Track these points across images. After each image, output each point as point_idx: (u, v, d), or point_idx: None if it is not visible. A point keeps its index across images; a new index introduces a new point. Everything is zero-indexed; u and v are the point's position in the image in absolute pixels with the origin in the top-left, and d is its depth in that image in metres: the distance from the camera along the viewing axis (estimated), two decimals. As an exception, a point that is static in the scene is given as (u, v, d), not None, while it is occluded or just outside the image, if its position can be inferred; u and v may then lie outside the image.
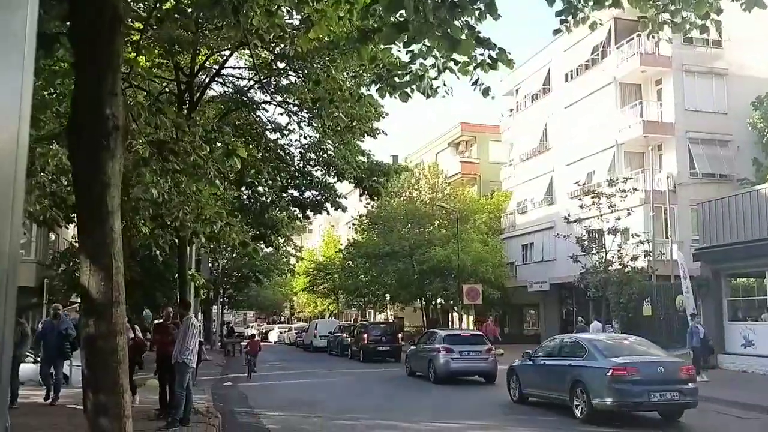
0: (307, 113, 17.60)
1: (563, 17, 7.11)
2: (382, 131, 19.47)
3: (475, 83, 7.11)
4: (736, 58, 30.76)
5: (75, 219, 13.14)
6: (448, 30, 5.36)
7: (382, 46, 7.33)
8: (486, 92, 7.15)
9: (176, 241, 11.86)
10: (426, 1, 5.08)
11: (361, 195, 22.36)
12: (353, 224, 45.70)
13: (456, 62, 6.68)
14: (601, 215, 26.61)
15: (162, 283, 25.50)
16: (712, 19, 6.72)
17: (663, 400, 12.36)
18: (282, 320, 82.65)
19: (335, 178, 21.34)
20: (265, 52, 14.82)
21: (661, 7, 6.93)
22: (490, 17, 6.36)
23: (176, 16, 8.32)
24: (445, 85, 6.55)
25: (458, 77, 6.63)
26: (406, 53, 6.98)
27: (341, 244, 53.36)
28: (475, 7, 5.95)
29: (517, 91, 42.08)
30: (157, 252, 10.77)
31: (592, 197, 26.99)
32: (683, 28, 7.05)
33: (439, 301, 41.96)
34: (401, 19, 5.31)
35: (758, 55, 30.71)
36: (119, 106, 4.55)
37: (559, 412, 13.67)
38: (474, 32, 6.58)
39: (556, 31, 7.31)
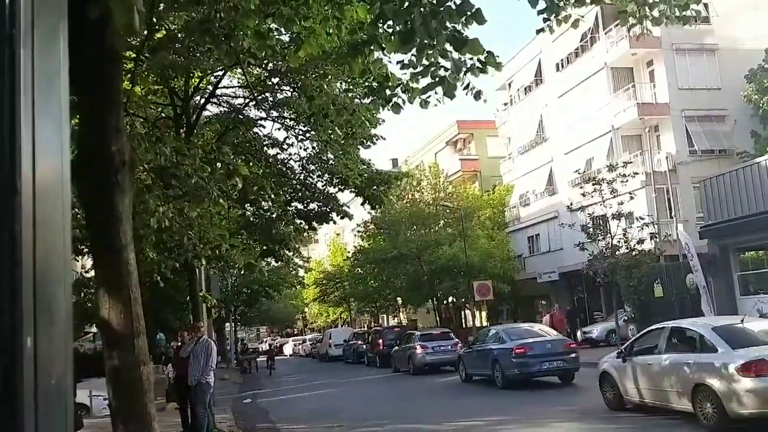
0: (304, 126, 17.73)
1: (546, 16, 7.22)
2: (381, 137, 19.59)
3: (466, 87, 7.24)
4: (725, 33, 30.81)
5: (84, 251, 13.27)
6: (455, 32, 5.49)
7: (373, 59, 7.46)
8: (477, 96, 7.26)
9: (177, 265, 11.99)
10: (426, 8, 5.21)
11: (363, 204, 22.48)
12: (358, 231, 45.80)
13: (446, 69, 6.81)
14: (604, 201, 26.65)
15: (173, 306, 25.65)
16: (691, 9, 6.83)
17: (551, 368, 17.32)
18: (295, 333, 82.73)
19: (337, 188, 21.46)
20: (258, 68, 14.97)
21: (641, 1, 7.05)
22: (476, 23, 6.49)
23: (169, 44, 8.46)
24: (436, 93, 6.63)
25: (450, 82, 6.74)
26: (397, 63, 7.12)
27: (348, 252, 53.47)
28: (462, 15, 6.07)
29: (509, 84, 42.20)
30: (158, 278, 10.88)
31: (593, 184, 27.02)
32: (663, 20, 7.17)
33: (450, 300, 42.02)
34: (406, 29, 5.43)
35: (747, 28, 30.77)
36: (124, 141, 4.68)
37: (488, 384, 18.62)
38: (461, 36, 6.71)
39: (540, 30, 7.43)
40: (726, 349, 10.10)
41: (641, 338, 12.89)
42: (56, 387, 0.90)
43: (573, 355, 17.74)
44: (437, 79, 6.14)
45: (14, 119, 0.89)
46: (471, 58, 6.23)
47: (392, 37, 6.37)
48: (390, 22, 5.93)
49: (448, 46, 5.88)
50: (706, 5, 28.34)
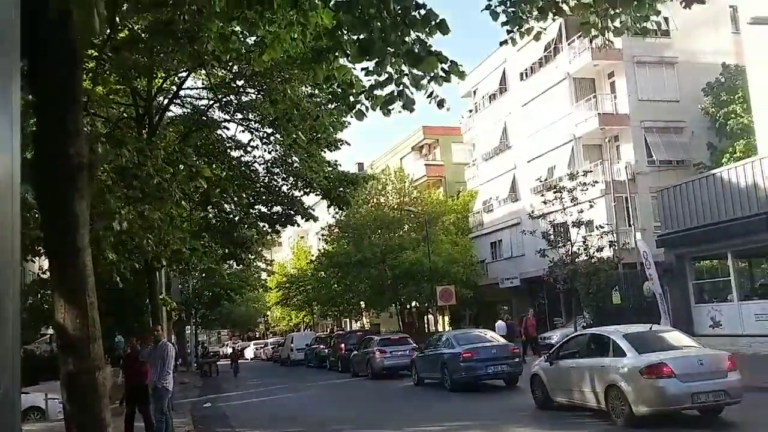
0: (269, 128, 17.66)
1: (509, 28, 7.33)
2: (346, 142, 19.60)
3: (430, 96, 7.30)
4: (684, 47, 31.59)
5: (41, 252, 13.01)
6: (415, 47, 5.55)
7: (337, 65, 7.49)
8: (441, 104, 7.31)
9: (137, 266, 11.84)
10: (385, 21, 5.25)
11: (329, 206, 22.45)
12: (323, 235, 45.69)
13: (412, 76, 6.86)
14: (565, 209, 27.09)
15: (133, 308, 25.23)
16: (651, 21, 7.01)
17: (496, 371, 18.08)
18: (257, 336, 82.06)
19: (302, 192, 21.39)
20: (222, 71, 14.87)
21: (602, 13, 7.21)
22: (440, 33, 6.56)
23: (131, 44, 8.37)
24: (401, 96, 6.68)
25: (412, 92, 6.80)
26: (361, 69, 7.16)
27: (312, 255, 53.27)
28: (426, 26, 6.13)
29: (474, 92, 42.62)
30: (118, 279, 10.74)
31: (555, 192, 27.45)
32: (623, 31, 7.33)
33: (414, 304, 42.18)
34: (365, 39, 5.47)
35: (705, 43, 31.59)
36: (83, 143, 4.63)
37: (438, 387, 19.25)
38: (426, 46, 6.78)
39: (503, 42, 7.55)
40: (633, 354, 11.23)
41: (566, 344, 13.93)
42: (3, 396, 0.89)
43: (517, 359, 18.77)
44: (397, 92, 6.18)
45: None
46: (435, 67, 6.29)
47: (354, 45, 6.41)
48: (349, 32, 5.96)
49: (404, 66, 5.94)
50: (666, 19, 29.03)
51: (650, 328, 12.74)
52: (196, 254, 10.47)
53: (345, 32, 6.73)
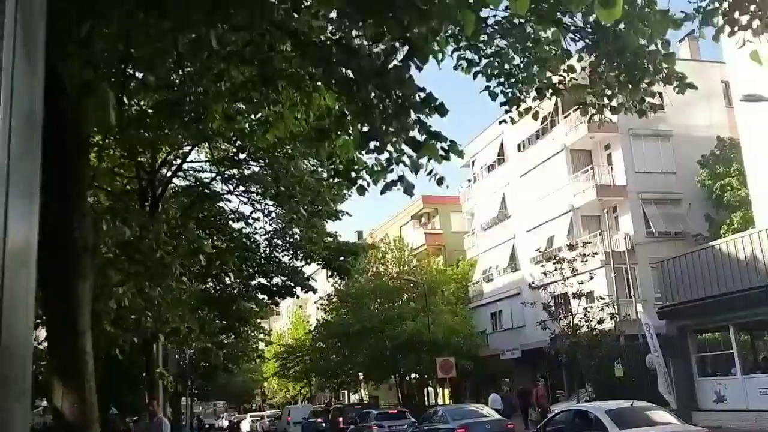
0: (271, 200, 17.80)
1: (507, 108, 7.52)
2: (347, 213, 19.73)
3: (429, 173, 7.43)
4: (678, 120, 32.14)
5: (38, 323, 12.92)
6: (414, 132, 5.69)
7: (339, 143, 7.63)
8: (440, 182, 7.41)
9: (135, 340, 11.74)
10: (387, 109, 5.40)
11: (329, 276, 22.38)
12: (321, 304, 45.40)
13: (410, 156, 7.00)
14: (565, 280, 27.03)
15: (129, 381, 24.81)
16: (647, 102, 7.20)
17: None
18: (254, 408, 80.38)
19: (303, 261, 21.38)
20: (226, 144, 15.09)
21: (599, 93, 7.41)
22: (438, 115, 6.73)
23: (137, 123, 8.54)
24: (401, 181, 6.80)
25: (411, 171, 6.92)
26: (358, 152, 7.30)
27: (310, 325, 52.78)
28: (426, 107, 6.30)
29: (473, 162, 43.16)
30: (117, 352, 10.64)
31: (554, 263, 27.45)
32: (621, 110, 7.52)
33: (413, 376, 41.52)
34: (369, 127, 5.61)
35: (699, 116, 32.19)
36: (88, 226, 4.69)
37: None
38: (425, 126, 6.94)
39: (502, 122, 7.72)
40: (614, 430, 11.68)
41: (553, 419, 14.62)
42: None
43: None
44: (398, 176, 6.31)
45: None
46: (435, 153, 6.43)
47: (357, 126, 6.57)
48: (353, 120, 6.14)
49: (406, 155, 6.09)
50: (660, 94, 29.66)
51: (632, 405, 13.05)
52: (194, 333, 10.40)
53: (347, 116, 6.91)
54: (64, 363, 4.53)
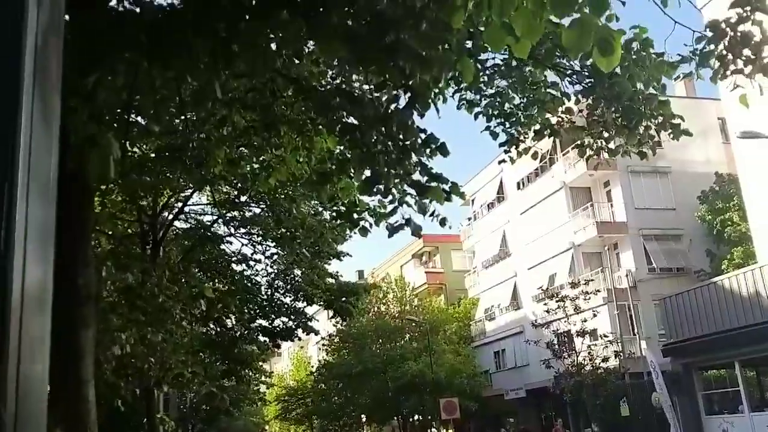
0: (272, 242, 17.81)
1: (507, 148, 7.59)
2: (347, 254, 19.73)
3: (431, 215, 7.47)
4: (677, 156, 32.28)
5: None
6: (418, 179, 5.75)
7: (341, 186, 7.69)
8: (443, 223, 7.45)
9: (137, 391, 11.63)
10: (391, 154, 5.45)
11: (331, 317, 22.26)
12: (323, 345, 45.05)
13: (413, 196, 7.04)
14: (568, 317, 26.89)
15: (130, 427, 24.48)
16: (649, 144, 7.27)
17: None
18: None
19: (304, 303, 21.28)
20: (227, 187, 15.16)
21: (597, 135, 7.49)
22: (440, 155, 6.80)
23: (139, 168, 8.61)
24: (408, 224, 6.83)
25: (418, 213, 6.95)
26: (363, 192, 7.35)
27: (312, 366, 52.28)
28: (427, 148, 6.36)
29: (473, 200, 43.29)
30: (119, 402, 10.52)
31: (557, 301, 27.34)
32: (618, 152, 7.59)
33: (416, 417, 40.98)
34: (372, 172, 5.66)
35: (697, 153, 32.39)
36: (92, 274, 4.69)
37: None
38: (427, 169, 7.00)
39: (501, 162, 7.79)
40: None
41: None
42: None
43: None
44: (405, 219, 6.35)
45: (10, 238, 0.94)
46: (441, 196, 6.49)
47: (360, 170, 6.62)
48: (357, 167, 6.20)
49: (410, 195, 6.14)
50: (658, 132, 29.92)
51: None
52: (198, 378, 10.31)
53: (350, 160, 6.98)
54: (67, 412, 4.48)
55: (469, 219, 44.82)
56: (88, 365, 4.56)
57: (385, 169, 5.13)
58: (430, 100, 4.88)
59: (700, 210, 31.62)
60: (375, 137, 5.17)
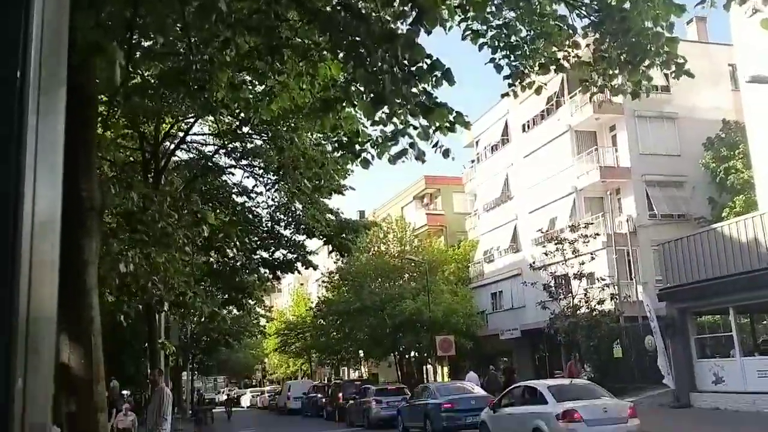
0: (273, 176, 17.81)
1: (511, 82, 7.52)
2: (350, 187, 19.76)
3: (435, 146, 7.45)
4: (684, 102, 32.03)
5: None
6: (422, 98, 5.70)
7: (344, 115, 7.65)
8: (446, 153, 7.44)
9: (140, 307, 11.84)
10: (395, 74, 5.40)
11: (330, 252, 22.46)
12: (323, 282, 45.61)
13: (415, 127, 7.01)
14: (566, 261, 27.10)
15: (131, 353, 25.05)
16: (643, 86, 7.20)
17: (474, 421, 17.75)
18: (254, 384, 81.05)
19: (304, 236, 21.46)
20: (230, 117, 15.09)
21: (601, 71, 7.40)
22: (446, 83, 6.73)
23: (143, 91, 8.55)
24: (413, 147, 6.81)
25: (421, 139, 6.93)
26: (368, 121, 7.31)
27: (311, 302, 53.06)
28: (432, 76, 6.30)
29: (477, 142, 43.07)
30: (122, 318, 10.73)
31: (556, 244, 27.50)
32: (620, 92, 7.52)
33: (413, 354, 41.79)
34: (377, 93, 5.61)
35: (705, 99, 32.04)
36: (95, 185, 4.73)
37: None
38: (431, 98, 6.95)
39: (504, 95, 7.73)
40: (553, 402, 13.76)
41: (507, 394, 16.66)
42: (40, 426, 0.94)
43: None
44: (408, 144, 6.33)
45: (20, 162, 0.95)
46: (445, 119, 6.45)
47: (363, 96, 6.57)
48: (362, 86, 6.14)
49: (413, 116, 6.10)
50: (666, 75, 29.54)
51: (571, 382, 16.55)
52: (200, 298, 10.47)
53: (354, 84, 6.92)
54: (71, 320, 4.59)
55: (472, 161, 44.67)
56: (92, 274, 4.64)
57: (391, 88, 5.09)
58: (437, 17, 4.80)
59: (704, 157, 31.48)
60: (381, 57, 5.12)
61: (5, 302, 0.87)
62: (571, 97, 33.14)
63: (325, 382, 45.71)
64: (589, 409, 13.40)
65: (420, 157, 6.55)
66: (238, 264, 19.71)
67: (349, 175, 18.91)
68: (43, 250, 0.98)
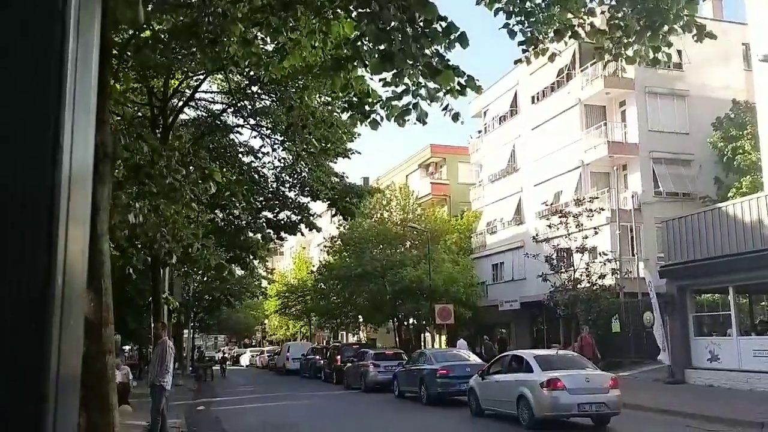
0: (280, 136, 17.79)
1: (525, 48, 7.46)
2: (356, 151, 19.75)
3: (444, 109, 7.43)
4: (695, 80, 31.77)
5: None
6: (432, 60, 5.67)
7: (355, 75, 7.61)
8: (456, 117, 7.46)
9: (149, 259, 11.93)
10: (407, 33, 5.37)
11: (334, 215, 22.53)
12: (325, 246, 45.77)
13: (427, 89, 6.99)
14: (569, 234, 27.14)
15: (133, 308, 25.28)
16: (662, 52, 7.13)
17: (465, 388, 17.81)
18: (253, 344, 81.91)
19: (309, 198, 21.51)
20: (239, 76, 15.04)
21: (617, 39, 7.34)
22: (459, 46, 6.69)
23: (153, 44, 8.51)
24: (415, 108, 6.80)
25: (429, 104, 6.92)
26: (379, 80, 7.29)
27: (313, 266, 53.31)
28: (447, 37, 6.26)
29: (485, 113, 42.81)
30: (131, 271, 10.82)
31: (560, 217, 27.51)
32: (636, 59, 7.46)
33: (411, 321, 42.12)
34: (386, 51, 5.58)
35: (716, 78, 31.78)
36: (107, 133, 4.74)
37: (415, 399, 20.97)
38: (443, 60, 6.91)
39: (518, 61, 7.67)
40: (538, 371, 14.35)
41: (495, 362, 17.21)
42: (73, 378, 0.94)
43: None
44: (413, 104, 6.31)
45: (59, 117, 0.92)
46: (452, 82, 6.42)
47: (375, 55, 6.54)
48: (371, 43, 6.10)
49: (421, 78, 6.06)
50: (679, 52, 29.23)
51: (556, 352, 17.41)
52: (208, 251, 10.55)
53: (366, 42, 6.88)
54: (81, 264, 4.63)
55: (479, 132, 44.44)
56: (104, 220, 4.68)
57: (401, 47, 5.06)
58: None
59: (713, 136, 31.30)
60: (393, 14, 5.09)
61: (43, 260, 0.87)
62: (582, 70, 32.86)
63: (324, 345, 46.11)
64: (573, 378, 14.00)
65: (422, 118, 6.54)
66: (243, 223, 19.81)
67: (356, 138, 18.91)
68: (77, 203, 0.96)
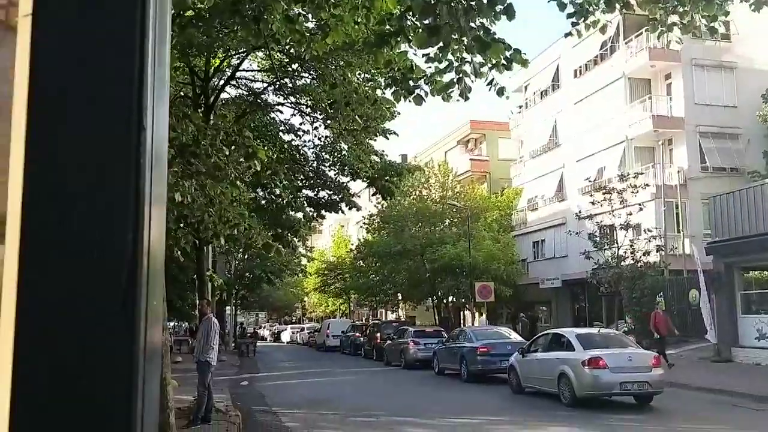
0: (321, 114, 17.77)
1: (574, 20, 7.26)
2: (394, 132, 19.63)
3: (489, 83, 7.29)
4: (744, 52, 30.74)
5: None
6: (480, 33, 5.53)
7: (398, 51, 7.51)
8: (501, 92, 7.31)
9: (197, 241, 12.06)
10: (456, 6, 5.24)
11: (373, 194, 22.50)
12: (364, 224, 45.87)
13: (472, 64, 6.85)
14: (613, 211, 26.69)
15: (177, 285, 25.71)
16: (720, 20, 6.87)
17: (506, 366, 17.68)
18: (294, 321, 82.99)
19: (349, 178, 21.51)
20: (279, 54, 15.02)
21: (670, 9, 7.09)
22: (506, 18, 6.53)
23: (197, 22, 8.52)
24: (459, 83, 6.67)
25: (473, 80, 6.79)
26: (422, 56, 7.17)
27: (351, 244, 53.54)
28: (492, 9, 6.11)
29: (526, 87, 42.17)
30: (179, 252, 10.97)
31: (603, 193, 27.06)
32: (691, 29, 7.20)
33: (451, 299, 42.10)
34: (432, 25, 5.47)
35: (765, 49, 30.68)
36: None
37: (454, 376, 20.95)
38: (489, 33, 6.76)
39: (568, 34, 7.48)
40: (580, 349, 14.42)
41: (536, 340, 17.28)
42: (156, 351, 0.99)
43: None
44: (456, 79, 6.18)
45: (142, 98, 0.91)
46: (501, 55, 6.28)
47: (419, 30, 6.43)
48: (417, 16, 5.99)
49: (465, 53, 5.93)
50: (727, 23, 28.26)
51: (598, 331, 17.26)
52: (255, 231, 10.64)
53: (409, 18, 6.76)
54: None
55: (520, 107, 43.80)
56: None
57: (447, 20, 4.94)
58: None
59: (762, 109, 30.32)
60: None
61: (131, 242, 0.88)
62: (626, 43, 32.07)
63: (364, 322, 46.41)
64: (614, 357, 13.92)
65: (464, 93, 6.42)
66: (284, 202, 19.93)
67: (396, 116, 18.77)
68: (158, 184, 0.98)
